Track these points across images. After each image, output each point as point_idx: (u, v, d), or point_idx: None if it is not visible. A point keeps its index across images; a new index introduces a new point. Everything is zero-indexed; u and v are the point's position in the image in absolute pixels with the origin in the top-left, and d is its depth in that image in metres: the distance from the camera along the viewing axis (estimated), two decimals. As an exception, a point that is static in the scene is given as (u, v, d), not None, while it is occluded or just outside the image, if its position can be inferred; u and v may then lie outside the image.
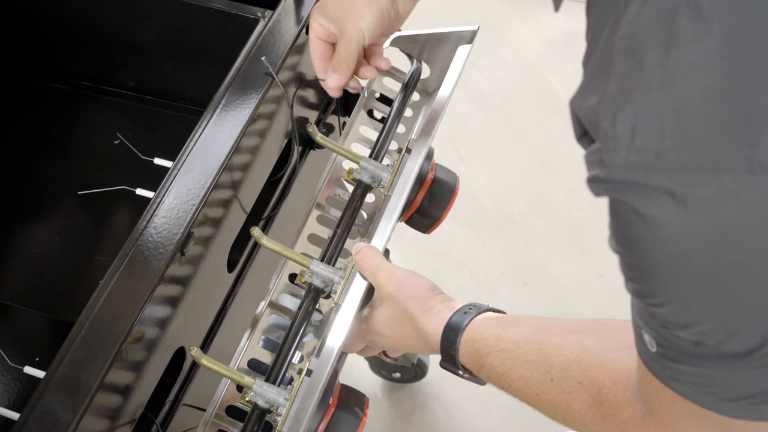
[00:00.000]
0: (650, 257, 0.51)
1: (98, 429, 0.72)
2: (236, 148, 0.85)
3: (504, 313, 0.82)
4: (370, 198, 1.00)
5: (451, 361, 0.81)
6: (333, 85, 0.93)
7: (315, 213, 0.99)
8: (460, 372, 0.81)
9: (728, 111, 0.44)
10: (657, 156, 0.46)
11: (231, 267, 0.93)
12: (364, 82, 1.02)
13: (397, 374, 1.64)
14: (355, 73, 0.95)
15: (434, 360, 1.69)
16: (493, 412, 1.67)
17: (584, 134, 0.54)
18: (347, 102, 1.14)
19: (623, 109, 0.47)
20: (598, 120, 0.48)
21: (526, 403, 0.76)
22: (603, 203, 0.55)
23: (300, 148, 1.01)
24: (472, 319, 0.79)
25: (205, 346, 0.89)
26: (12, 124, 1.22)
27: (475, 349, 0.78)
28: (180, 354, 0.84)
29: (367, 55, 0.97)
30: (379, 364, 1.63)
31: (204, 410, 0.89)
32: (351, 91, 0.97)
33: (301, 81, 1.00)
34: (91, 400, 0.69)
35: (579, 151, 0.54)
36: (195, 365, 0.88)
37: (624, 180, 0.47)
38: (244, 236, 0.92)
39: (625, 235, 0.52)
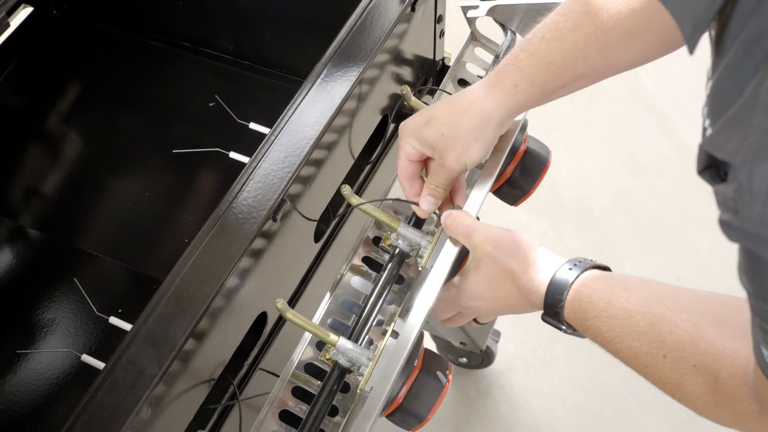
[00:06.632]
0: None
1: (180, 383, 0.74)
2: (333, 121, 0.85)
3: (610, 270, 0.81)
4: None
5: (555, 317, 0.79)
6: (427, 208, 0.89)
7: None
8: (564, 327, 0.80)
9: None
10: None
11: (317, 237, 0.93)
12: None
13: (464, 359, 1.64)
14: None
15: (501, 348, 1.68)
16: (557, 405, 1.66)
17: (707, 168, 0.53)
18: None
19: (760, 165, 0.46)
20: (734, 170, 0.48)
21: (633, 369, 0.75)
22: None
23: (394, 125, 1.01)
24: (578, 276, 0.78)
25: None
26: (111, 78, 1.25)
27: (582, 310, 0.76)
28: (261, 319, 0.85)
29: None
30: (447, 348, 1.62)
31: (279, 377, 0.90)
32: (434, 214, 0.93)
33: (401, 59, 1.00)
34: (177, 355, 0.70)
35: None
36: (275, 331, 0.89)
37: (758, 234, 0.48)
38: (332, 209, 0.92)
39: (760, 281, 0.52)
